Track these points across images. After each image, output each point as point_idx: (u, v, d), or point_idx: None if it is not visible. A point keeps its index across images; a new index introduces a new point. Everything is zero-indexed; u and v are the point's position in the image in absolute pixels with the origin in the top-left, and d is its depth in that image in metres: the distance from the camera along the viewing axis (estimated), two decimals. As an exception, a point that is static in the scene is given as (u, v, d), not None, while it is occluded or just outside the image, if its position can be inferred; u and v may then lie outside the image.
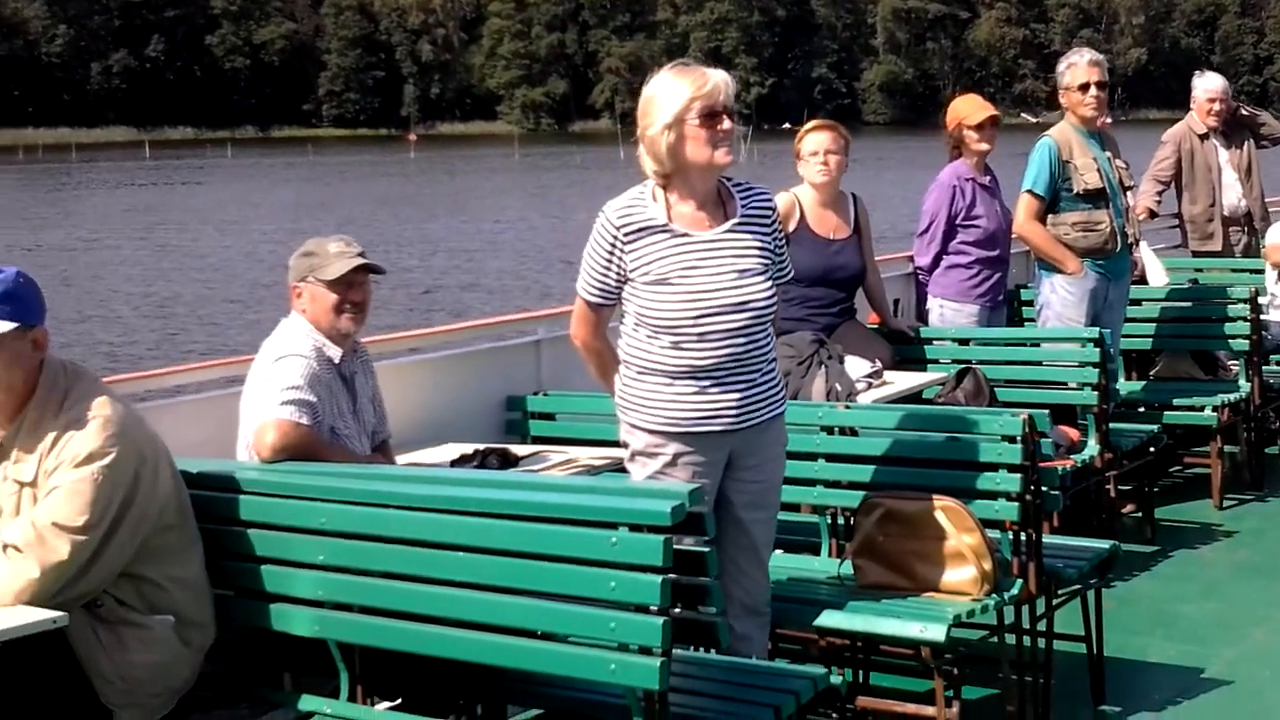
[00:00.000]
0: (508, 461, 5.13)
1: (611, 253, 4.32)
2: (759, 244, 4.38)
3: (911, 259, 7.79)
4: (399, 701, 4.16)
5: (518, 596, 3.63)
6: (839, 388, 5.99)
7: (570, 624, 3.58)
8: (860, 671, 4.99)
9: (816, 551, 5.28)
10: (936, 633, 4.36)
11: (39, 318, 3.78)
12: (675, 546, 3.43)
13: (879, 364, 6.38)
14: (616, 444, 5.57)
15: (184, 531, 3.90)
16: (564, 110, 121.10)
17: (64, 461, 3.65)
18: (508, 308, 18.28)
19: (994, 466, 4.75)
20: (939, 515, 4.63)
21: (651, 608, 3.41)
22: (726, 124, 4.28)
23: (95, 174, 61.20)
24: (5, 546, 3.56)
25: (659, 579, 3.39)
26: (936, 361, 7.05)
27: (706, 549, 3.56)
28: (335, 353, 4.55)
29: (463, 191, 47.33)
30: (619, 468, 4.91)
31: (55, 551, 3.56)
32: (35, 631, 3.42)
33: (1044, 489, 4.79)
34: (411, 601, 3.76)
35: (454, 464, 5.13)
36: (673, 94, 4.26)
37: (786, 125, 74.26)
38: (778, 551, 4.90)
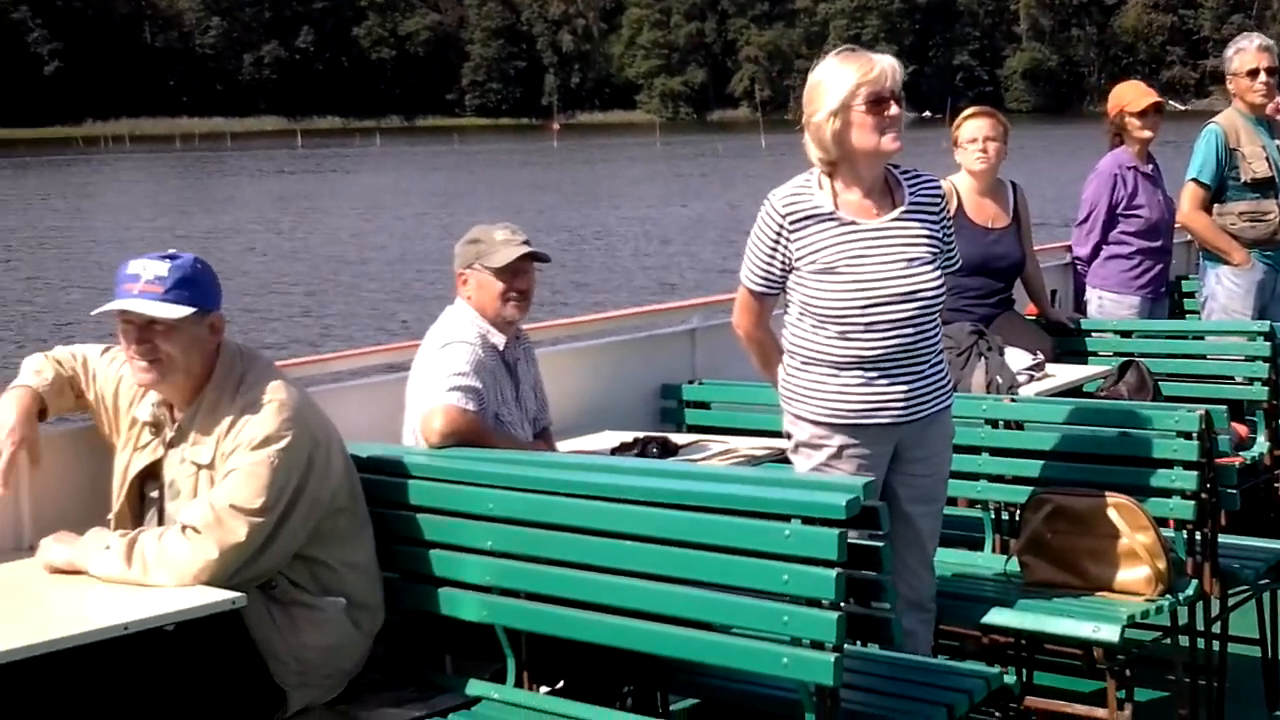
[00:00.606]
0: (668, 450, 5.11)
1: (777, 241, 4.27)
2: (927, 232, 4.31)
3: (1069, 249, 7.63)
4: (559, 686, 4.17)
5: (687, 587, 3.61)
6: (1000, 380, 5.88)
7: (741, 616, 3.55)
8: (1024, 670, 4.90)
9: (977, 546, 5.19)
10: (1110, 633, 4.25)
11: (216, 302, 3.84)
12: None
13: (1040, 356, 6.25)
14: (773, 434, 5.53)
15: (354, 515, 3.94)
16: (702, 99, 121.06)
17: (241, 444, 3.71)
18: (655, 296, 18.26)
19: (1169, 463, 4.62)
20: (1111, 513, 4.51)
21: (824, 602, 3.37)
22: (894, 110, 4.20)
23: (249, 161, 62.45)
24: (184, 527, 3.62)
25: (834, 573, 3.35)
26: (1096, 354, 6.89)
27: (880, 544, 3.51)
28: (500, 339, 4.57)
29: (604, 179, 47.43)
30: (780, 458, 4.87)
31: (233, 533, 3.62)
32: (214, 612, 3.47)
33: (1221, 487, 4.65)
34: (580, 589, 3.76)
35: (614, 452, 5.13)
36: (839, 80, 4.20)
37: (927, 114, 73.25)
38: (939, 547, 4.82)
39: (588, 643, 3.82)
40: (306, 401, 3.87)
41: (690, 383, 6.19)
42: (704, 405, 6.12)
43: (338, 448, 3.91)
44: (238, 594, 3.51)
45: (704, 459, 5.05)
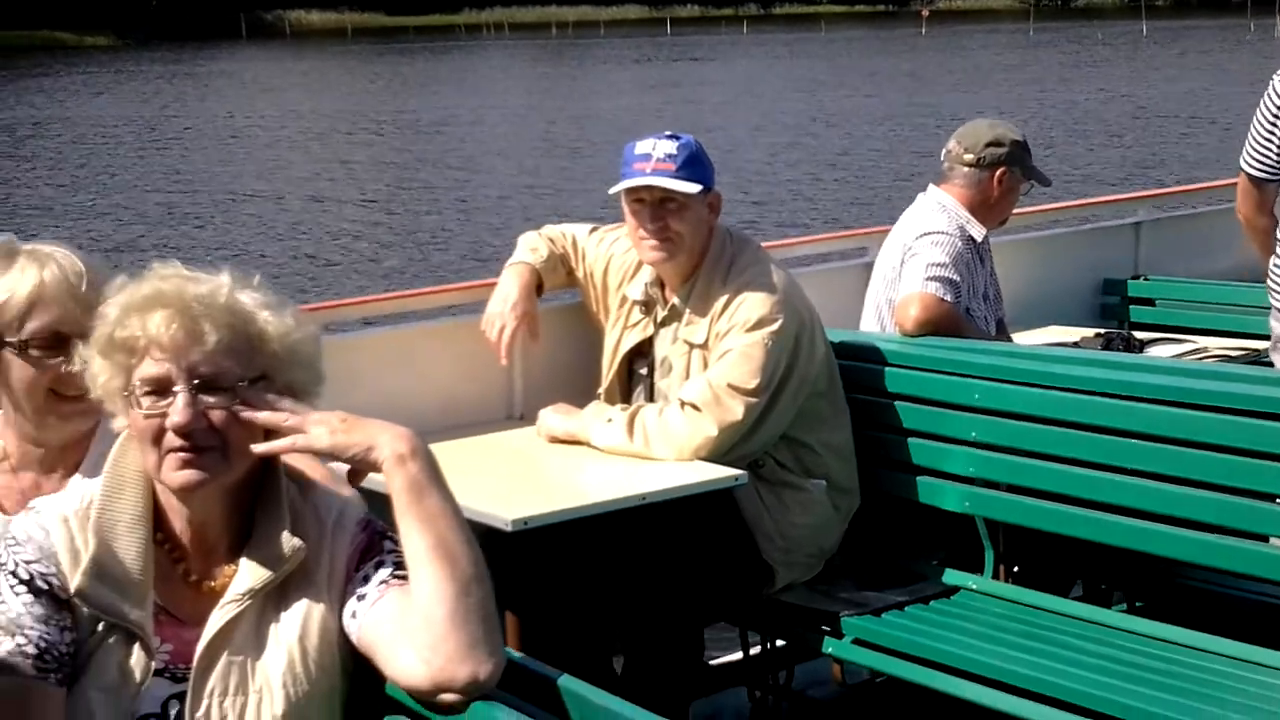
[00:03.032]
0: (1130, 347, 4.96)
1: (1274, 123, 4.06)
2: None
3: None
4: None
5: (1184, 487, 3.51)
6: None
7: (1241, 518, 3.43)
8: None
9: None
10: None
11: (713, 181, 3.91)
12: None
13: None
14: (1228, 334, 5.31)
15: (833, 398, 3.98)
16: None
17: (735, 326, 3.79)
18: (1093, 190, 17.49)
19: None
20: None
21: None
22: None
23: (617, 50, 63.28)
24: (684, 404, 3.73)
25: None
26: None
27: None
28: (979, 232, 4.52)
29: (994, 68, 45.52)
30: (1255, 359, 4.68)
31: (731, 411, 3.71)
32: (719, 487, 3.58)
33: None
34: (1067, 483, 3.70)
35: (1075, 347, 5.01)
36: None
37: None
38: None
39: (1058, 535, 3.78)
40: (793, 284, 3.92)
41: (1135, 278, 5.98)
42: (1148, 302, 5.91)
43: (820, 331, 3.95)
44: (740, 471, 3.60)
45: (1174, 357, 4.89)
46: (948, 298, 4.32)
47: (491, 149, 25.34)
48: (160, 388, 2.08)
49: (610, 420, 3.79)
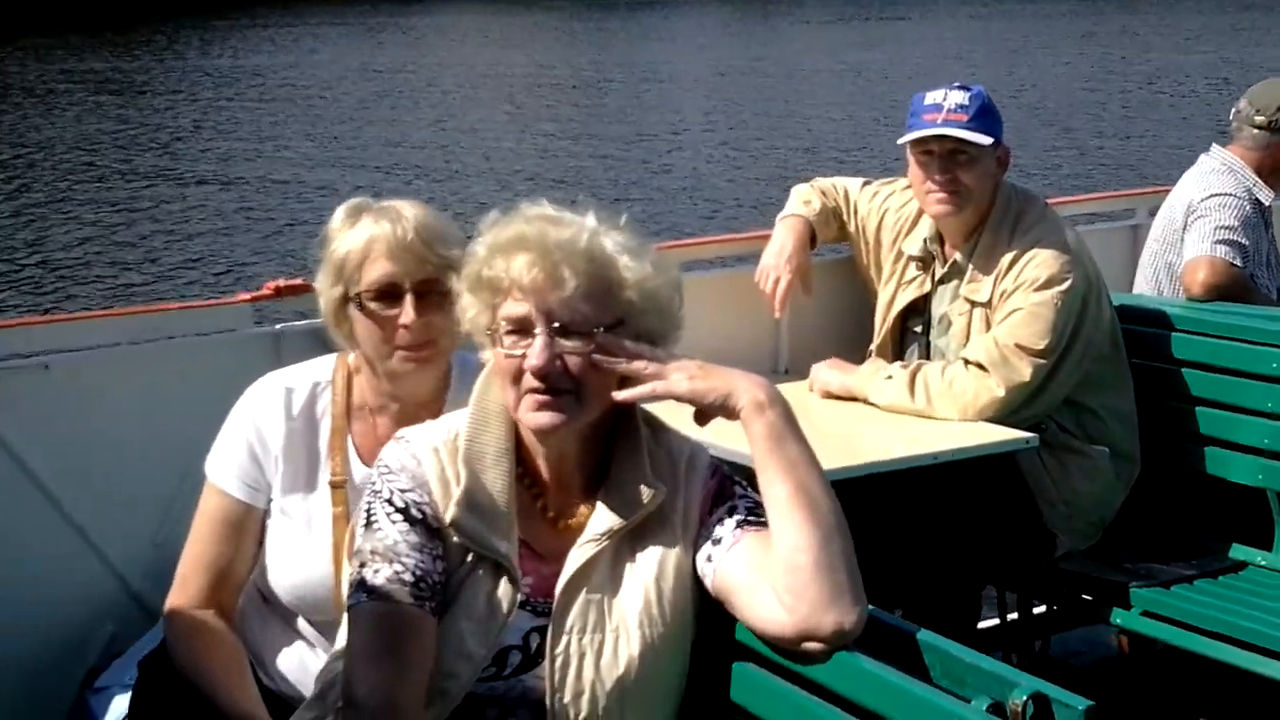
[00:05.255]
0: None
1: None
2: None
3: None
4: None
5: None
6: None
7: None
8: None
9: None
10: None
11: (1002, 134, 3.81)
12: None
13: None
14: None
15: (1116, 363, 3.86)
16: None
17: (1023, 284, 3.68)
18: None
19: None
20: None
21: None
22: None
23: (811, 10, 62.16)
24: (968, 363, 3.65)
25: None
26: None
27: None
28: (1266, 196, 4.34)
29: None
30: None
31: (1017, 372, 3.61)
32: (1007, 449, 3.49)
33: None
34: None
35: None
36: None
37: None
38: None
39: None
40: (1081, 243, 3.80)
41: None
42: None
43: (1105, 292, 3.83)
44: (1031, 434, 3.51)
45: None
46: (1237, 262, 4.16)
47: (721, 102, 24.90)
48: (521, 327, 2.09)
49: (890, 377, 3.72)
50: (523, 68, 30.50)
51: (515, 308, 2.09)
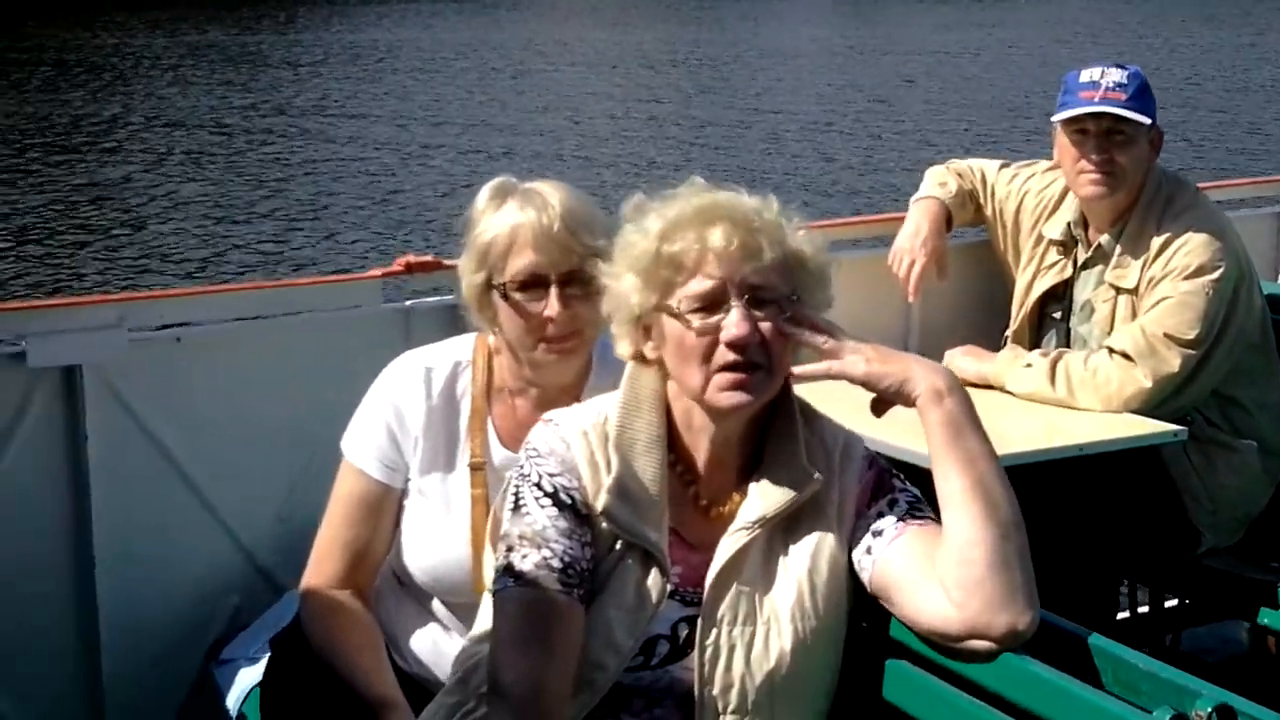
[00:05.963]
0: None
1: None
2: None
3: None
4: None
5: None
6: None
7: None
8: None
9: None
10: None
11: (1157, 115, 3.68)
12: None
13: None
14: None
15: (1267, 354, 3.73)
16: None
17: (1173, 272, 3.56)
18: None
19: None
20: None
21: None
22: None
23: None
24: (1112, 352, 3.53)
25: None
26: None
27: None
28: None
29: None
30: None
31: (1165, 362, 3.49)
32: (1155, 442, 3.38)
33: None
34: None
35: None
36: None
37: None
38: None
39: None
40: (1234, 230, 3.67)
41: None
42: None
43: (1256, 281, 3.70)
44: (1180, 426, 3.39)
45: None
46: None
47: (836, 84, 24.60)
48: (712, 302, 2.02)
49: (1030, 365, 3.61)
50: (634, 47, 30.44)
51: (705, 282, 2.03)
